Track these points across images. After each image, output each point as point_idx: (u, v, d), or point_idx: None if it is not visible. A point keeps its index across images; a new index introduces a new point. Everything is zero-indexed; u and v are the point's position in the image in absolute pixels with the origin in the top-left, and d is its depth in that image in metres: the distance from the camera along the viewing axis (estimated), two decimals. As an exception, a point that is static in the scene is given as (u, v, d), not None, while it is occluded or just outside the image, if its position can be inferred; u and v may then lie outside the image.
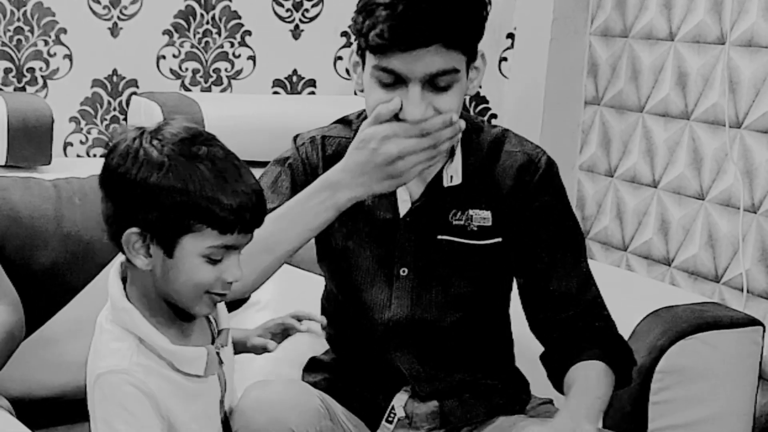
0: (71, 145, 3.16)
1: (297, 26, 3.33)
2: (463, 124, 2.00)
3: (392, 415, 2.15)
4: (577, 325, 2.14)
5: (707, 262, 3.05)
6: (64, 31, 3.08)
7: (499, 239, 2.12)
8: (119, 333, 1.84)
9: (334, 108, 2.76)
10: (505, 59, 3.58)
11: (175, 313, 1.87)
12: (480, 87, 2.36)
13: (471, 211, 2.11)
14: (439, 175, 2.11)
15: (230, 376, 1.96)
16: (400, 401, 2.15)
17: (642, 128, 3.26)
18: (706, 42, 3.04)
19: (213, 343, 1.92)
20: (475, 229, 2.11)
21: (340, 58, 3.39)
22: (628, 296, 2.67)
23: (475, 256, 2.12)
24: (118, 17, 3.12)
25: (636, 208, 3.29)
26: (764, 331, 2.62)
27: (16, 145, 2.73)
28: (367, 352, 2.17)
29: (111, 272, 1.89)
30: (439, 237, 2.10)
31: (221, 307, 1.95)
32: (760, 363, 2.62)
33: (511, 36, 3.57)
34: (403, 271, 2.12)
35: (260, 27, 3.26)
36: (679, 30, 3.13)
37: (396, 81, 1.97)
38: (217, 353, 1.90)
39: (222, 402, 1.93)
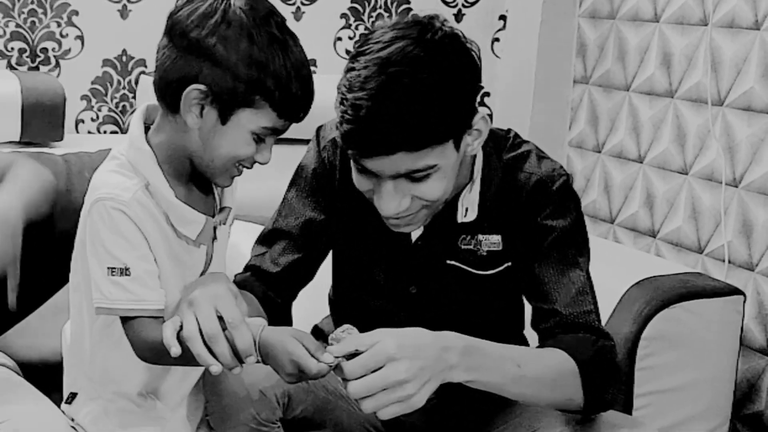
0: (83, 122, 3.20)
1: (299, 8, 3.36)
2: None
3: None
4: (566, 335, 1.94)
5: (690, 234, 3.08)
6: (76, 13, 3.12)
7: (509, 264, 2.00)
8: (128, 171, 1.81)
9: (335, 89, 2.85)
10: (497, 40, 3.61)
11: (190, 175, 1.85)
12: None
13: (481, 236, 1.98)
14: (452, 204, 1.96)
15: (219, 254, 1.92)
16: None
17: (628, 106, 3.29)
18: (690, 23, 3.08)
19: (213, 217, 1.89)
20: (485, 254, 1.99)
21: (339, 38, 3.42)
22: (614, 267, 2.68)
23: (484, 283, 2.01)
24: (128, 0, 3.17)
25: (623, 183, 3.32)
26: (745, 300, 2.64)
27: (30, 122, 2.78)
28: None
29: (135, 114, 1.85)
30: (449, 262, 2.00)
31: (233, 184, 1.92)
32: (741, 330, 2.65)
33: (503, 18, 3.60)
34: (413, 289, 2.03)
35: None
36: (664, 12, 3.16)
37: (368, 171, 1.80)
38: (214, 228, 1.88)
39: (202, 275, 1.90)
